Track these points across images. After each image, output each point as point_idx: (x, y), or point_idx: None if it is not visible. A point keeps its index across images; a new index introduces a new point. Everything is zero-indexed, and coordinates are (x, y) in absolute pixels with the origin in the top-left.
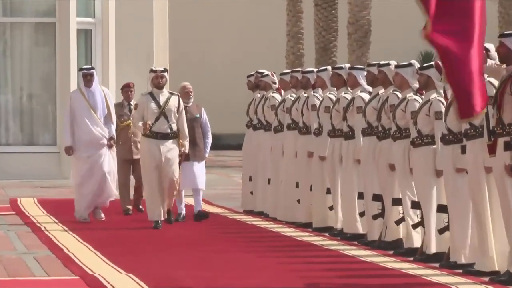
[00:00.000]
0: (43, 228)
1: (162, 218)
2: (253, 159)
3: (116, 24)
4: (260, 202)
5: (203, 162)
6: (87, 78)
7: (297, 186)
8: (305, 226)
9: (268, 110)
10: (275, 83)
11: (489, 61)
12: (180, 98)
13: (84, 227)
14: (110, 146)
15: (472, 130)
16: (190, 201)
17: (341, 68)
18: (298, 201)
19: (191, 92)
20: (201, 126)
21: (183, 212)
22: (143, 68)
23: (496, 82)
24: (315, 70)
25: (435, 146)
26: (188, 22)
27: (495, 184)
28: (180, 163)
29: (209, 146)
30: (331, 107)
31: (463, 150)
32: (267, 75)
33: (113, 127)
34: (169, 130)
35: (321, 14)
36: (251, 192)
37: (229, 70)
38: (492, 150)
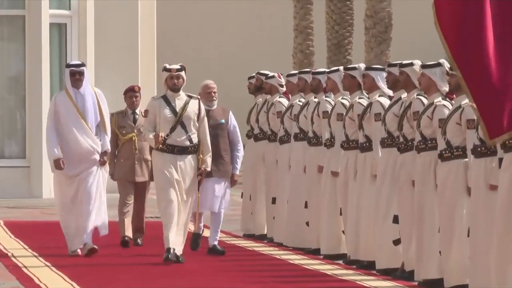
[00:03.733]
0: (10, 255)
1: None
2: (255, 175)
3: (95, 17)
4: (262, 224)
5: (227, 180)
6: (75, 77)
7: (305, 206)
8: (315, 252)
9: (274, 118)
10: (282, 86)
11: None
12: (200, 102)
13: (58, 254)
14: (102, 164)
15: (511, 141)
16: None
17: (354, 68)
18: (307, 223)
19: (214, 92)
20: (228, 135)
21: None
22: (128, 68)
23: None
24: (327, 70)
25: (467, 159)
26: (178, 13)
27: None
28: (200, 183)
29: (239, 160)
30: (344, 114)
31: (501, 163)
32: (273, 76)
33: (107, 138)
34: (188, 143)
35: (334, 5)
36: (252, 214)
37: (227, 71)
38: None
